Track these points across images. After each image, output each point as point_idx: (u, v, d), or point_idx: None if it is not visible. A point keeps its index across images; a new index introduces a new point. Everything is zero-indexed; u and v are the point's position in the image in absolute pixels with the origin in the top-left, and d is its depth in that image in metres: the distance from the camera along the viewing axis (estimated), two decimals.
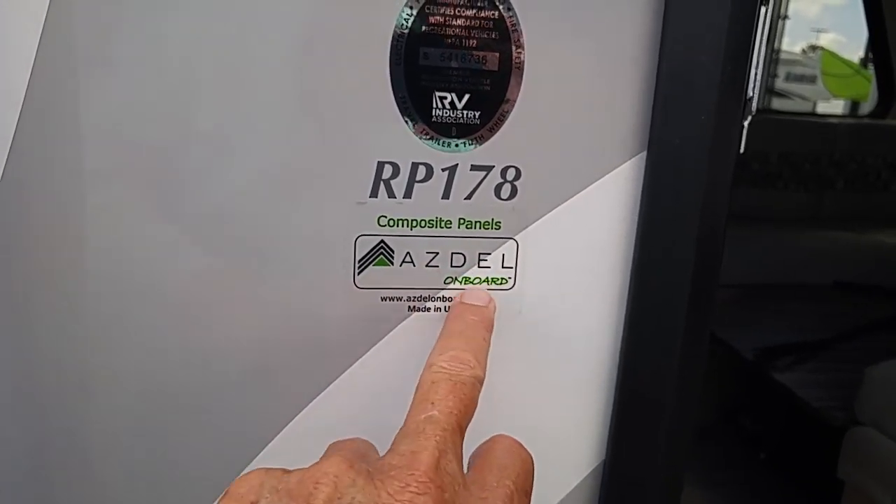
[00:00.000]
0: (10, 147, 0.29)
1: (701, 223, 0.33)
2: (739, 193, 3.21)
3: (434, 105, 0.31)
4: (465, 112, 0.31)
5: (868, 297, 2.16)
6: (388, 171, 0.32)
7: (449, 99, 0.31)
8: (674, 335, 0.35)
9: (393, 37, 0.30)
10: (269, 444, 0.34)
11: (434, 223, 0.33)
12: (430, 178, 0.32)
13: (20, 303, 0.31)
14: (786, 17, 5.76)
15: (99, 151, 0.30)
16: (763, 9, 0.32)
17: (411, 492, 0.22)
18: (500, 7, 0.31)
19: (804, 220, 2.72)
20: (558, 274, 0.35)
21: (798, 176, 2.71)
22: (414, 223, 0.32)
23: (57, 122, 0.29)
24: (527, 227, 0.34)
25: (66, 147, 0.29)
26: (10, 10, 0.27)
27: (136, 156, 0.30)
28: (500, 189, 0.33)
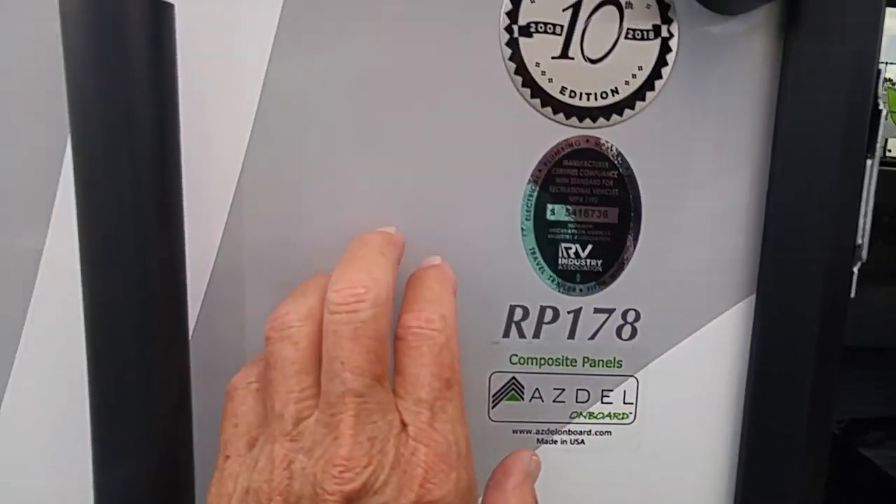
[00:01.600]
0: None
1: (815, 368, 0.34)
2: None
3: (560, 255, 0.35)
4: (588, 260, 0.35)
5: None
6: (518, 314, 0.35)
7: (573, 249, 0.35)
8: (789, 478, 0.36)
9: (523, 196, 0.34)
10: None
11: (560, 361, 0.35)
12: (557, 319, 0.35)
13: None
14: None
15: None
16: (869, 161, 0.35)
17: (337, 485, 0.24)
18: (619, 167, 0.34)
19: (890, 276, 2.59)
20: (675, 411, 0.37)
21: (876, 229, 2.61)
22: (542, 361, 0.35)
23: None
24: (646, 365, 0.36)
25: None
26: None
27: None
28: (622, 330, 0.35)
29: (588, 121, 0.34)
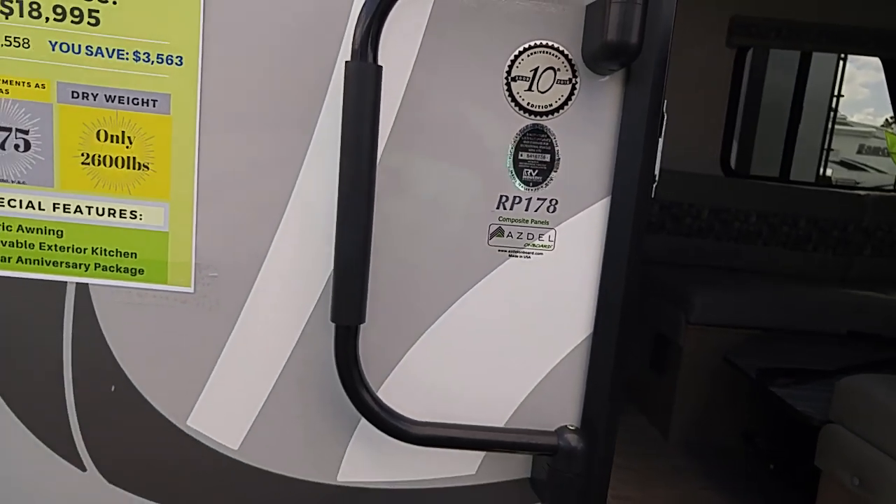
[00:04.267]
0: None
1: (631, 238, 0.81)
2: (773, 252, 3.63)
3: (523, 174, 0.81)
4: (536, 177, 0.81)
5: (874, 343, 2.51)
6: (505, 199, 0.81)
7: (530, 172, 0.81)
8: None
9: (508, 150, 0.80)
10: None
11: (522, 220, 0.82)
12: (520, 202, 0.81)
13: None
14: (841, 95, 6.13)
15: None
16: (661, 140, 0.80)
17: None
18: (551, 137, 0.80)
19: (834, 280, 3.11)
20: (569, 248, 0.83)
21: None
22: (512, 220, 0.82)
23: None
24: (559, 224, 0.82)
25: None
26: None
27: None
28: (549, 207, 0.81)
29: (540, 117, 0.79)
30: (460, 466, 0.85)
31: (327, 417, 0.83)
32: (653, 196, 0.82)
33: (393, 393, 0.82)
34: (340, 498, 0.85)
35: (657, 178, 0.82)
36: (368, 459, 0.84)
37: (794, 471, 2.15)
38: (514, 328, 0.84)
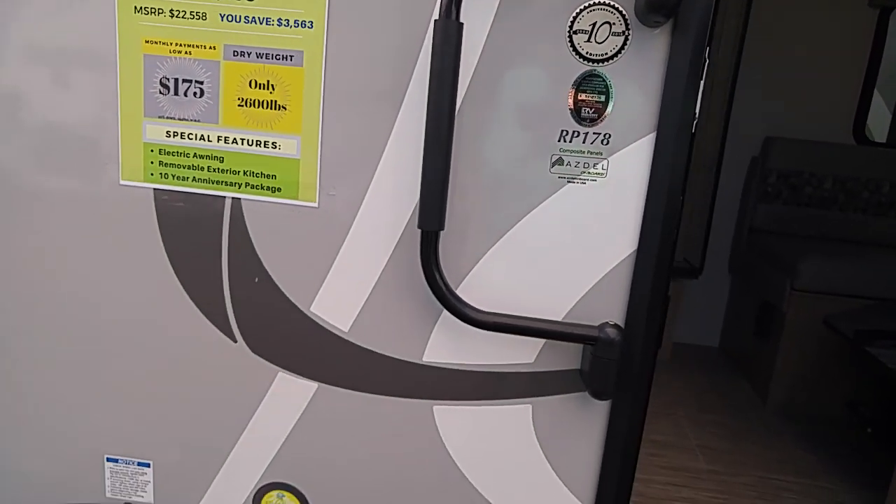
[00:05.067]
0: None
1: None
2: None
3: (582, 114, 0.97)
4: (592, 115, 0.96)
5: None
6: (566, 133, 0.98)
7: (588, 112, 0.96)
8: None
9: (570, 96, 0.96)
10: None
11: (580, 152, 0.98)
12: (579, 135, 0.97)
13: None
14: None
15: None
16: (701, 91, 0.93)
17: None
18: (608, 82, 0.96)
19: None
20: (621, 172, 0.98)
21: None
22: (573, 152, 0.98)
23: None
24: (612, 155, 0.97)
25: None
26: None
27: None
28: (603, 141, 0.97)
29: (597, 64, 0.95)
30: (521, 354, 1.04)
31: (416, 308, 1.04)
32: (693, 132, 0.96)
33: (469, 290, 1.02)
34: (425, 374, 1.07)
35: (697, 116, 0.95)
36: (447, 343, 1.05)
37: (895, 435, 2.14)
38: (569, 242, 1.00)
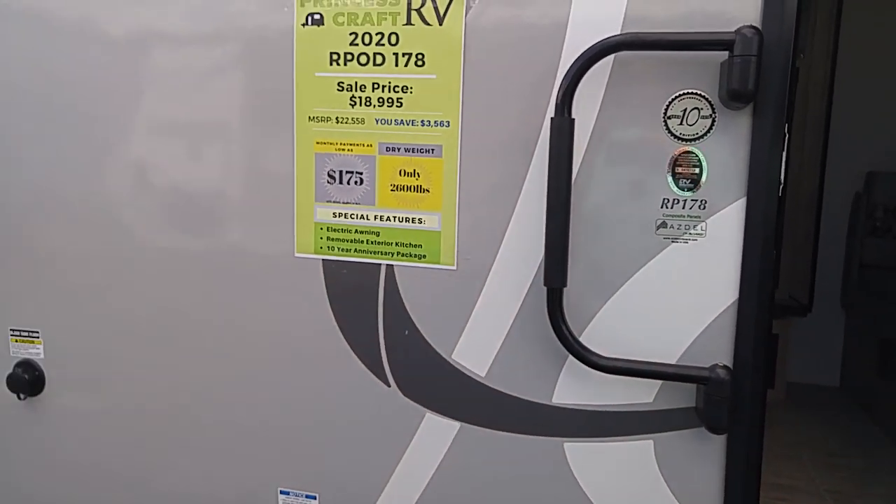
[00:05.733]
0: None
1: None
2: None
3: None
4: None
5: None
6: None
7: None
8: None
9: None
10: None
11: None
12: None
13: None
14: None
15: None
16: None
17: None
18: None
19: None
20: (717, 228, 1.13)
21: None
22: None
23: None
24: (712, 215, 1.13)
25: None
26: None
27: None
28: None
29: (690, 143, 1.12)
30: (641, 394, 1.19)
31: (545, 354, 1.22)
32: (780, 195, 1.10)
33: (591, 337, 1.19)
34: (554, 413, 1.24)
35: (783, 182, 1.10)
36: (574, 385, 1.22)
37: None
38: (677, 293, 1.16)
